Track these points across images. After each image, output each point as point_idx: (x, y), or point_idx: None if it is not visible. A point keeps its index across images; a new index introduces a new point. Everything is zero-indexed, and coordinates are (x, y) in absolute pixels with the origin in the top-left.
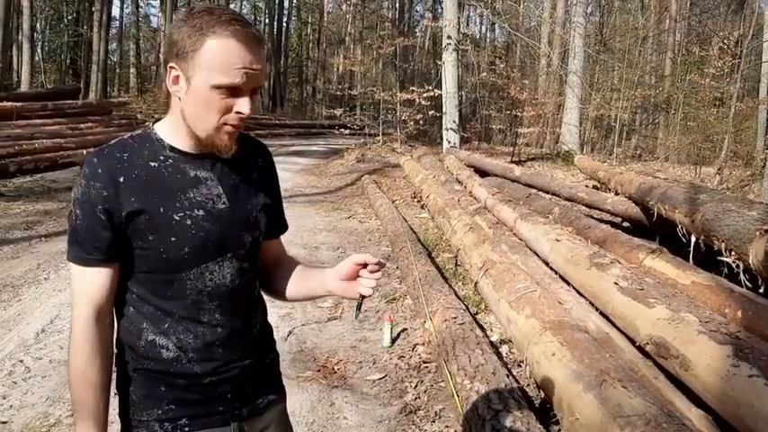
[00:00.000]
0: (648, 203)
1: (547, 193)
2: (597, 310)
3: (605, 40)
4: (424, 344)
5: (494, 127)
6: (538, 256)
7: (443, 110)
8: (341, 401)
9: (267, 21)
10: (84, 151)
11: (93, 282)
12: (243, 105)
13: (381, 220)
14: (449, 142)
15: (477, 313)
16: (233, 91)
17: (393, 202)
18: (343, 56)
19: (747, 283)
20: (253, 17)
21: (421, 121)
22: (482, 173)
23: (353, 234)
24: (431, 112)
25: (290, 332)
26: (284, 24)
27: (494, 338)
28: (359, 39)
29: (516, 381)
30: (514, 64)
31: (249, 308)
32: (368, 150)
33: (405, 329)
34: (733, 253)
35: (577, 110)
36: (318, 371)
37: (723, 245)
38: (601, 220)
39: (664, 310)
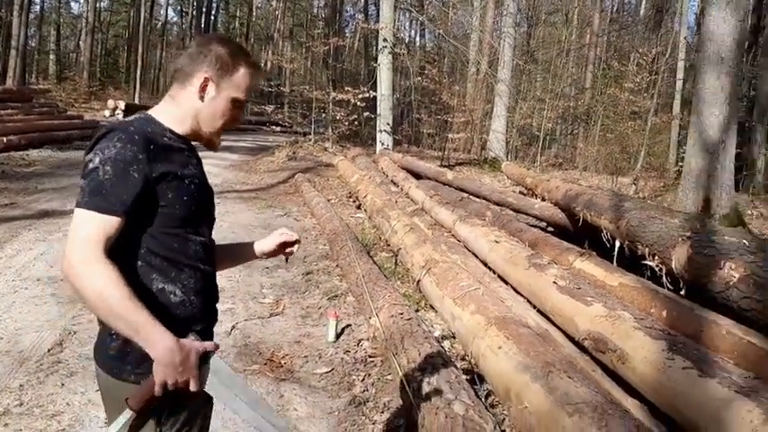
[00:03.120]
0: (574, 209)
1: (477, 197)
2: (535, 307)
3: (532, 51)
4: (368, 339)
5: (423, 131)
6: (476, 256)
7: (377, 111)
8: (290, 394)
9: (195, 14)
10: (5, 138)
11: (105, 228)
12: (241, 115)
13: (318, 219)
14: (382, 144)
15: (417, 310)
16: (240, 104)
17: (328, 201)
18: (271, 52)
19: (669, 285)
20: (179, 8)
21: (356, 122)
22: (415, 175)
23: None
24: (366, 114)
25: (234, 327)
26: (212, 17)
27: (436, 334)
28: (288, 36)
29: (464, 373)
30: (444, 70)
31: (215, 267)
32: (299, 149)
33: (348, 325)
34: (656, 257)
35: (505, 118)
36: (265, 364)
37: (647, 249)
38: (528, 225)
39: (601, 308)
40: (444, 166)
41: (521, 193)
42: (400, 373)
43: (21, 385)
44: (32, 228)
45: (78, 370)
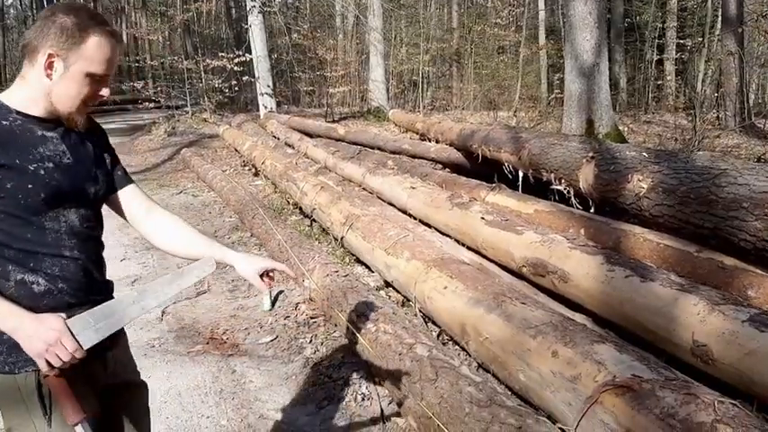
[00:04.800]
0: (471, 147)
1: (372, 148)
2: (464, 245)
3: None
4: (305, 302)
5: (301, 89)
6: (393, 205)
7: (255, 75)
8: (241, 367)
9: None
10: None
11: None
12: (105, 90)
13: (218, 192)
14: (265, 107)
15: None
16: (100, 79)
17: (223, 172)
18: (125, 25)
19: (578, 205)
20: None
21: (236, 88)
22: (306, 134)
23: (190, 209)
24: (245, 78)
25: (164, 312)
26: None
27: (371, 286)
28: (141, 5)
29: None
30: (313, 24)
31: (96, 249)
32: (177, 123)
33: (281, 291)
34: (563, 181)
35: (383, 66)
36: (207, 343)
37: (552, 175)
38: (432, 168)
39: (533, 235)
40: (330, 122)
41: (413, 139)
42: (351, 328)
43: None
44: None
45: None
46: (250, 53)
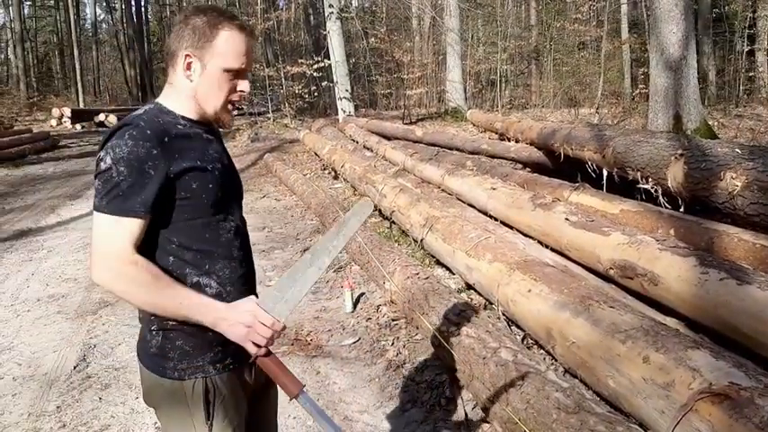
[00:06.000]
0: (553, 146)
1: (450, 149)
2: (547, 247)
3: None
4: (386, 304)
5: (378, 92)
6: (473, 207)
7: (334, 80)
8: (325, 369)
9: (123, 8)
10: None
11: (130, 231)
12: (244, 85)
13: (299, 196)
14: (344, 111)
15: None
16: (237, 73)
17: (304, 176)
18: None
19: (667, 204)
20: (105, 4)
21: (315, 93)
22: (383, 137)
23: (273, 213)
24: (324, 83)
25: None
26: (142, 8)
27: (452, 288)
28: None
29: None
30: (390, 27)
31: (251, 250)
32: (260, 129)
33: (363, 294)
34: (650, 179)
35: (460, 67)
36: (292, 344)
37: (639, 173)
38: (512, 169)
39: (620, 236)
40: (408, 124)
41: (491, 139)
42: (432, 330)
43: (58, 407)
44: (13, 250)
45: (111, 381)
46: (328, 59)
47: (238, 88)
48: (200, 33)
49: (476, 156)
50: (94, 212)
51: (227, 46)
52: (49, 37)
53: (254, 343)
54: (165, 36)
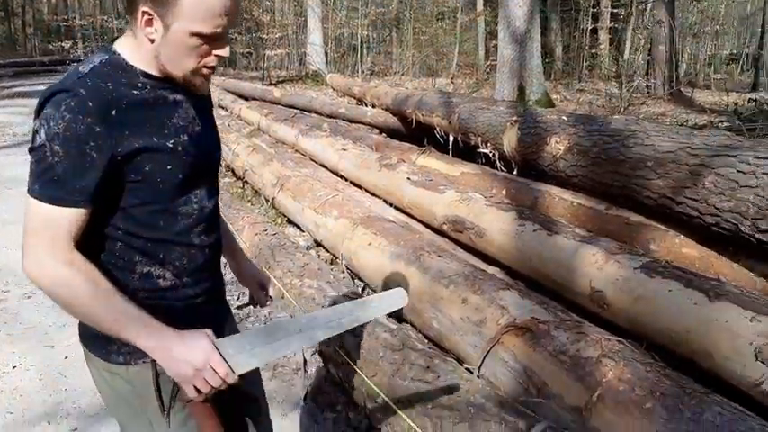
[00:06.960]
0: (406, 112)
1: (309, 112)
2: (392, 205)
3: None
4: None
5: (237, 51)
6: (325, 167)
7: None
8: None
9: None
10: None
11: (70, 222)
12: (222, 49)
13: None
14: None
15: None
16: (212, 37)
17: None
18: None
19: (503, 168)
20: None
21: None
22: (241, 97)
23: None
24: None
25: None
26: None
27: (302, 245)
28: None
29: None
30: None
31: (218, 227)
32: None
33: None
34: (489, 144)
35: (320, 30)
36: None
37: (479, 138)
38: (367, 132)
39: (453, 194)
40: (267, 85)
41: (350, 103)
42: (277, 284)
43: None
44: None
45: None
46: None
47: (214, 52)
48: None
49: (333, 119)
50: (28, 195)
51: (195, 8)
52: None
53: (195, 387)
54: None
